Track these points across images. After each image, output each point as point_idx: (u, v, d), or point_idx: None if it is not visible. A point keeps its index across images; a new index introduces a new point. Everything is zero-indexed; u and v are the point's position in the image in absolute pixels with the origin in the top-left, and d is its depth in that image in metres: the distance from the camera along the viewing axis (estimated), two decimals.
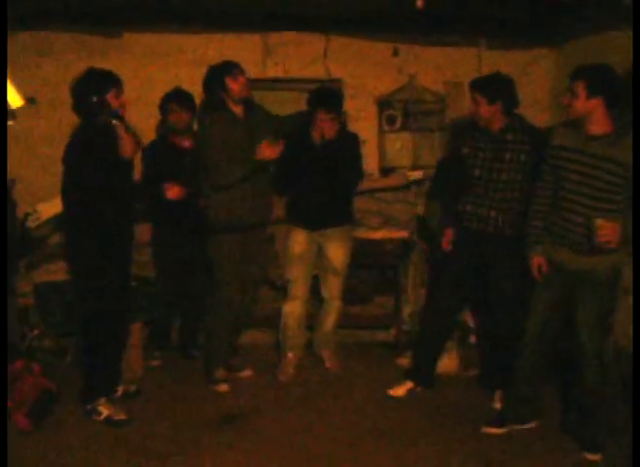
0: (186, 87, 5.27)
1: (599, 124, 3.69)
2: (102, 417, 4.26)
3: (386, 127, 6.06)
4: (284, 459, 3.91)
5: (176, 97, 5.17)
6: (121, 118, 4.19)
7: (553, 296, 4.01)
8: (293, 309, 5.10)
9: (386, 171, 6.00)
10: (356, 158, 5.05)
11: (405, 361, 5.22)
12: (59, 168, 4.27)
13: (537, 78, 6.25)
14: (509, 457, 3.94)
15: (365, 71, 6.06)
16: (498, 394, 4.56)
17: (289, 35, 6.03)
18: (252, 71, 6.03)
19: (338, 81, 6.17)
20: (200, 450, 3.98)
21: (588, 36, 5.73)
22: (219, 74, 4.68)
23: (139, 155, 4.70)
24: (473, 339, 5.40)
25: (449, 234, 4.61)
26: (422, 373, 4.81)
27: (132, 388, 4.69)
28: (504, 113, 4.34)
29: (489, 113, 4.33)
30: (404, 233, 5.76)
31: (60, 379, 4.63)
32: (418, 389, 4.79)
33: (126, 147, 4.19)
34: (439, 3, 4.83)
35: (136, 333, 4.98)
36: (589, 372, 3.91)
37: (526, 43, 6.20)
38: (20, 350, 4.96)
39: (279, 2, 5.21)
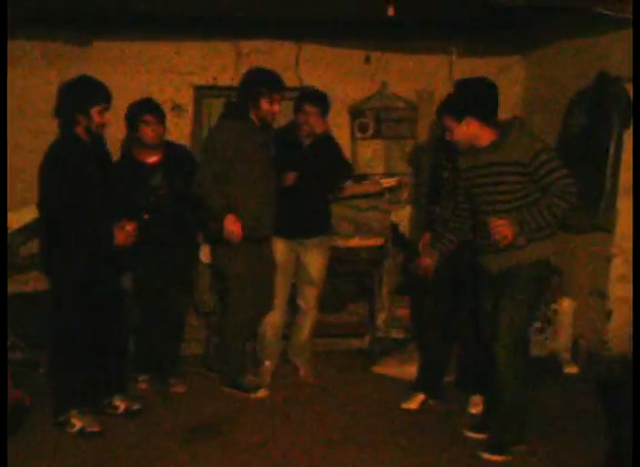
0: (156, 95, 5.24)
1: (483, 137, 3.85)
2: (75, 429, 4.18)
3: (358, 135, 6.08)
4: None
5: (152, 108, 4.73)
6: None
7: (492, 298, 4.06)
8: (272, 320, 5.04)
9: (359, 178, 5.99)
10: (341, 153, 5.15)
11: (379, 369, 5.21)
12: (27, 177, 4.21)
13: (509, 85, 6.28)
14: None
15: (337, 79, 6.08)
16: (475, 399, 4.55)
17: (261, 43, 6.04)
18: (223, 79, 6.06)
19: (310, 88, 6.17)
20: (172, 462, 3.91)
21: (559, 42, 5.78)
22: (257, 88, 4.64)
23: None
24: None
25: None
26: (432, 384, 4.73)
27: (135, 406, 4.52)
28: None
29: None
30: (378, 241, 5.75)
31: (34, 391, 4.54)
32: (430, 402, 4.71)
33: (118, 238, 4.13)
34: (409, 10, 4.84)
35: None
36: (500, 358, 3.91)
37: (498, 50, 6.26)
38: None
39: (251, 9, 5.19)
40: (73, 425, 4.19)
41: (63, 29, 5.64)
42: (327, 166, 4.96)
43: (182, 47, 5.94)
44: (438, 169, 4.61)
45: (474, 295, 4.23)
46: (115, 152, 4.71)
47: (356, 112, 6.11)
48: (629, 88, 4.95)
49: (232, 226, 4.58)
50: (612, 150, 5.03)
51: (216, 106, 6.19)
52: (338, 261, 5.44)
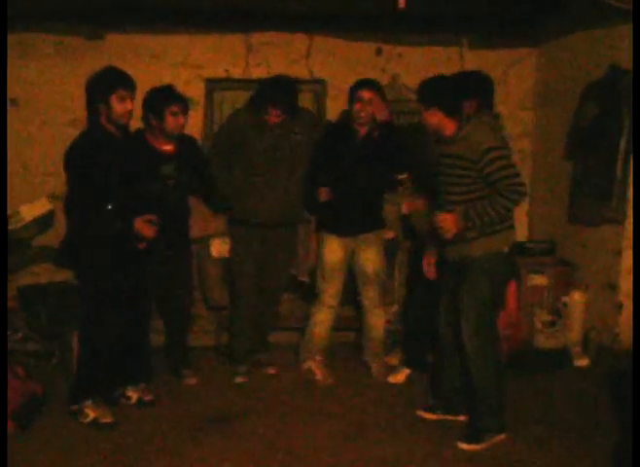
0: None
1: (447, 128, 4.01)
2: (88, 420, 4.21)
3: None
4: (271, 462, 3.87)
5: (179, 99, 4.61)
6: None
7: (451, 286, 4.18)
8: (323, 319, 4.99)
9: None
10: (402, 142, 4.80)
11: (392, 360, 5.23)
12: (40, 170, 4.23)
13: (520, 77, 6.29)
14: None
15: (348, 71, 6.04)
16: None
17: (272, 35, 6.03)
18: (234, 71, 6.06)
19: (321, 81, 6.18)
20: (183, 453, 3.94)
21: (571, 34, 5.76)
22: (268, 96, 4.70)
23: None
24: None
25: None
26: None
27: (148, 397, 4.56)
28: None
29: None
30: (390, 234, 5.74)
31: (47, 383, 4.58)
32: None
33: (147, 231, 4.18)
34: (421, 3, 4.84)
35: None
36: (467, 348, 4.02)
37: (509, 43, 6.24)
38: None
39: (262, 2, 5.20)
40: (87, 415, 4.22)
41: (76, 23, 5.65)
42: (385, 158, 4.75)
43: (193, 40, 5.95)
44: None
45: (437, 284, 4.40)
46: None
47: None
48: None
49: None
50: (623, 142, 5.02)
51: (227, 99, 6.22)
52: None
